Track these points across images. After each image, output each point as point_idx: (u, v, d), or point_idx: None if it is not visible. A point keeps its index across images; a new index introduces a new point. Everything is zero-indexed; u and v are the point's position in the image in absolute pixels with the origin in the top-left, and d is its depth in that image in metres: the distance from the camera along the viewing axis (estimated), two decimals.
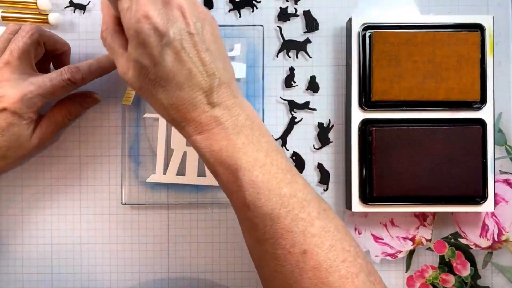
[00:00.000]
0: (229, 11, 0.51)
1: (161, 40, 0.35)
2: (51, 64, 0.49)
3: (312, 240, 0.36)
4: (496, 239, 0.50)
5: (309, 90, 0.51)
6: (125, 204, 0.50)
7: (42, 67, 0.48)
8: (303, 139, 0.51)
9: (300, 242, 0.36)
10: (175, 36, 0.36)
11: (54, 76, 0.44)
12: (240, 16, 0.51)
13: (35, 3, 0.49)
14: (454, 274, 0.50)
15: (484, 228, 0.50)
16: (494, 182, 0.47)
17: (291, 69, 0.50)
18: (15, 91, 0.42)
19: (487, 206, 0.47)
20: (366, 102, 0.47)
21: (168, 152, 0.50)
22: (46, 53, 0.47)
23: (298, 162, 0.50)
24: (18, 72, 0.43)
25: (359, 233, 0.51)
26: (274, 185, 0.37)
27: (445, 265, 0.50)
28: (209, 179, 0.49)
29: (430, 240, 0.51)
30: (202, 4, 0.50)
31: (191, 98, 0.37)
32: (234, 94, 0.38)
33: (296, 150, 0.50)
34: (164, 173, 0.50)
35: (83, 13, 0.50)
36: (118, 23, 0.38)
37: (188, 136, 0.38)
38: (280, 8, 0.50)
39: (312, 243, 0.36)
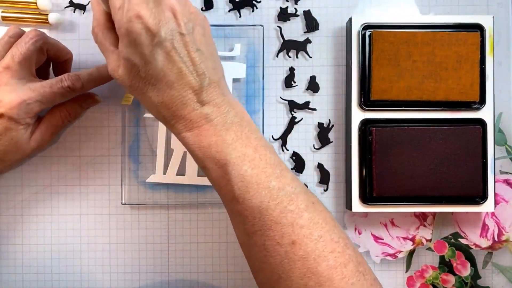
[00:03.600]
0: (229, 11, 0.51)
1: (152, 39, 0.36)
2: (51, 70, 0.49)
3: (300, 231, 0.36)
4: (496, 239, 0.50)
5: (309, 90, 0.51)
6: (125, 204, 0.50)
7: (41, 73, 0.48)
8: (303, 139, 0.51)
9: (289, 233, 0.36)
10: (166, 36, 0.36)
11: (54, 83, 0.44)
12: (240, 16, 0.51)
13: (35, 3, 0.49)
14: (454, 274, 0.50)
15: (484, 228, 0.50)
16: (494, 182, 0.47)
17: (291, 69, 0.50)
18: (13, 96, 0.42)
19: (487, 206, 0.47)
20: (366, 102, 0.47)
21: (168, 152, 0.50)
22: (48, 60, 0.47)
23: (298, 162, 0.50)
24: (17, 77, 0.43)
25: (359, 233, 0.51)
26: (262, 179, 0.37)
27: (445, 265, 0.50)
28: None
29: (430, 240, 0.51)
30: (203, 4, 0.50)
31: (181, 96, 0.38)
32: (223, 92, 0.39)
33: (296, 150, 0.50)
34: (164, 173, 0.50)
35: (83, 13, 0.50)
36: (110, 20, 0.39)
37: (177, 133, 0.39)
38: (280, 8, 0.51)
39: (301, 234, 0.36)
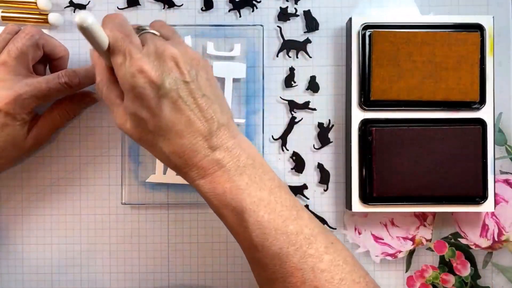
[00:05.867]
0: (229, 11, 0.51)
1: (157, 92, 0.36)
2: (48, 67, 0.49)
3: (322, 275, 0.36)
4: (496, 239, 0.50)
5: (309, 90, 0.51)
6: (125, 204, 0.50)
7: (38, 70, 0.48)
8: (303, 139, 0.51)
9: (310, 279, 0.36)
10: (171, 86, 0.36)
11: (51, 79, 0.44)
12: (240, 16, 0.51)
13: (35, 3, 0.49)
14: (454, 274, 0.50)
15: (484, 228, 0.50)
16: (494, 182, 0.47)
17: (291, 69, 0.50)
18: (9, 92, 0.42)
19: (487, 206, 0.47)
20: (366, 102, 0.47)
21: None
22: (44, 57, 0.47)
23: (298, 162, 0.50)
24: (14, 73, 0.43)
25: (359, 233, 0.51)
26: (280, 223, 0.37)
27: (445, 265, 0.50)
28: None
29: (430, 240, 0.51)
30: (203, 4, 0.50)
31: (191, 144, 0.37)
32: (233, 134, 0.39)
33: (296, 150, 0.50)
34: (164, 173, 0.49)
35: None
36: (113, 73, 0.38)
37: (191, 181, 0.39)
38: (280, 8, 0.51)
39: (322, 278, 0.36)
